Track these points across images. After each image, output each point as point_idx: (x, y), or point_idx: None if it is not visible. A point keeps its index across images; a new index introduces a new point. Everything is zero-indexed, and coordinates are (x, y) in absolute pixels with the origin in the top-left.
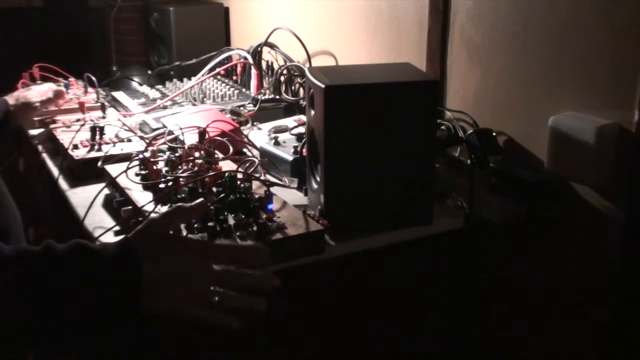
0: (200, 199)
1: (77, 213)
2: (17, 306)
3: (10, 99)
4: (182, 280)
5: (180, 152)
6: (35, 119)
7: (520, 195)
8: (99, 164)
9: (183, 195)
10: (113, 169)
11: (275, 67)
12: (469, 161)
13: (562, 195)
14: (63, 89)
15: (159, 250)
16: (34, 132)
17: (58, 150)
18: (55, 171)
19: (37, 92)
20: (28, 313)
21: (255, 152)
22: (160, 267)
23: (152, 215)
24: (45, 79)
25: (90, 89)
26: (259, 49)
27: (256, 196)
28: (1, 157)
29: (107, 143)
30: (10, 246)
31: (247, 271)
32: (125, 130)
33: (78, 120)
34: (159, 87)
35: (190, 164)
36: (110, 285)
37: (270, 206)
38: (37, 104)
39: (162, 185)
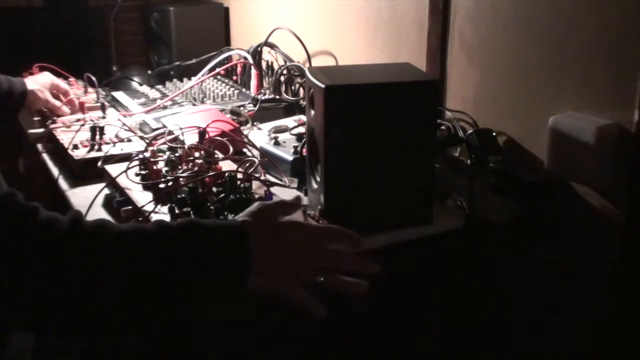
0: (297, 194)
1: None
2: (122, 282)
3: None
4: (289, 258)
5: (180, 152)
6: (35, 118)
7: (520, 195)
8: (99, 164)
9: (183, 195)
10: (113, 169)
11: (275, 67)
12: (469, 161)
13: (562, 195)
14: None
15: (267, 227)
16: (34, 132)
17: (58, 150)
18: (55, 171)
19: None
20: (139, 288)
21: (255, 152)
22: (268, 242)
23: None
24: None
25: (90, 89)
26: (259, 49)
27: (256, 196)
28: (1, 157)
29: (107, 143)
30: (125, 224)
31: (353, 255)
32: (125, 130)
33: (78, 120)
34: (159, 87)
35: (190, 164)
36: (220, 263)
37: None
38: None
39: (162, 185)
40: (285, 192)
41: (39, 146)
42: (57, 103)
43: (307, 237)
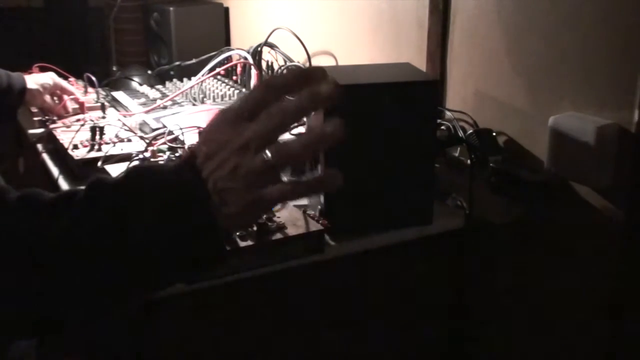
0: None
1: None
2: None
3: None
4: (242, 186)
5: (180, 152)
6: (35, 119)
7: (520, 195)
8: (99, 164)
9: None
10: (113, 169)
11: (275, 67)
12: (469, 161)
13: (562, 195)
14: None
15: (219, 156)
16: (34, 132)
17: (58, 150)
18: (55, 171)
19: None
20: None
21: None
22: (219, 177)
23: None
24: None
25: (90, 89)
26: (259, 49)
27: None
28: (1, 157)
29: (107, 143)
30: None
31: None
32: (125, 130)
33: (78, 120)
34: (159, 87)
35: None
36: (176, 201)
37: None
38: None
39: None
40: None
41: (39, 146)
42: (52, 105)
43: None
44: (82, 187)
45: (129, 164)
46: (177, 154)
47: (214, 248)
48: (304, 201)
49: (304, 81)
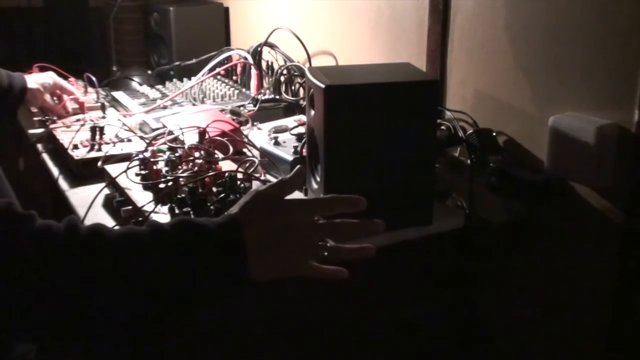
0: (298, 167)
1: (77, 213)
2: (117, 287)
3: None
4: (290, 241)
5: (180, 152)
6: (35, 118)
7: (520, 195)
8: (99, 164)
9: (183, 195)
10: (113, 169)
11: (275, 67)
12: (469, 161)
13: (562, 195)
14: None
15: (262, 215)
16: (34, 132)
17: (58, 150)
18: (55, 171)
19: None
20: (138, 291)
21: (255, 152)
22: (265, 231)
23: (257, 187)
24: None
25: (90, 89)
26: (259, 49)
27: None
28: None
29: (107, 143)
30: (119, 228)
31: (351, 220)
32: (125, 130)
33: (78, 120)
34: (159, 87)
35: (190, 164)
36: (215, 255)
37: None
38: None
39: (162, 185)
40: None
41: (39, 146)
42: (52, 105)
43: (304, 215)
44: (143, 228)
45: (129, 164)
46: (176, 154)
47: (236, 293)
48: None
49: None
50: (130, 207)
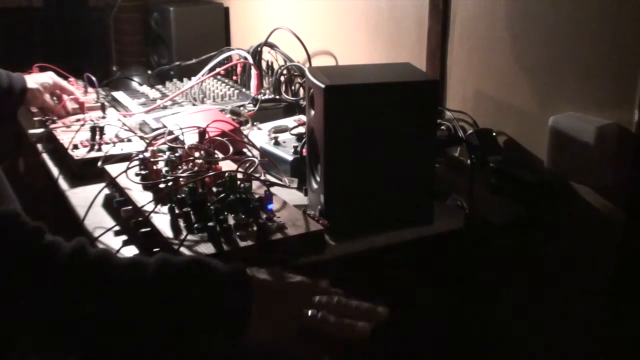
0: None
1: (77, 213)
2: (116, 317)
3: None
4: (291, 309)
5: (180, 152)
6: (35, 118)
7: (520, 195)
8: (99, 164)
9: (183, 195)
10: (113, 169)
11: (275, 67)
12: (469, 161)
13: (562, 195)
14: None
15: (272, 280)
16: (34, 132)
17: (58, 150)
18: (55, 171)
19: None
20: (132, 326)
21: (255, 152)
22: (272, 294)
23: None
24: None
25: (90, 89)
26: (259, 49)
27: (256, 196)
28: (1, 157)
29: (107, 143)
30: (127, 257)
31: (354, 302)
32: (125, 130)
33: (78, 120)
34: (159, 87)
35: (190, 164)
36: (219, 311)
37: (270, 206)
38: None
39: (162, 185)
40: (285, 192)
41: (39, 146)
42: (52, 105)
43: (307, 290)
44: (152, 261)
45: (129, 164)
46: (177, 154)
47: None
48: (304, 201)
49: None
50: (130, 207)
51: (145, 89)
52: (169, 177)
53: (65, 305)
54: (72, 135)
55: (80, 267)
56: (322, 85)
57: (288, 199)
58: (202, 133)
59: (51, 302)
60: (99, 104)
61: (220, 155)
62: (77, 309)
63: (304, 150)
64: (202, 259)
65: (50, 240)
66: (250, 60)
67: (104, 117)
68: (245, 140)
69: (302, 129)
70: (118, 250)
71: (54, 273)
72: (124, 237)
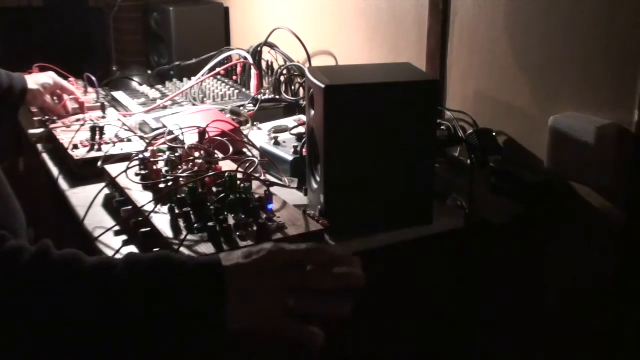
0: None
1: (77, 213)
2: (93, 319)
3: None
4: (273, 292)
5: (180, 152)
6: (35, 118)
7: (520, 195)
8: (99, 164)
9: (183, 195)
10: (113, 169)
11: (275, 67)
12: (469, 161)
13: (562, 195)
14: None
15: (244, 267)
16: (34, 132)
17: (58, 150)
18: (55, 171)
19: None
20: (106, 325)
21: (255, 152)
22: (246, 281)
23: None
24: None
25: (90, 89)
26: (259, 49)
27: (256, 196)
28: (1, 157)
29: (107, 143)
30: (95, 257)
31: (336, 272)
32: (125, 130)
33: (78, 120)
34: (159, 87)
35: (190, 164)
36: (192, 300)
37: (270, 206)
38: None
39: (162, 185)
40: (285, 192)
41: (39, 146)
42: (52, 105)
43: (287, 264)
44: (120, 261)
45: (129, 164)
46: (177, 154)
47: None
48: (304, 201)
49: (344, 263)
50: (130, 207)
51: (145, 89)
52: (169, 177)
53: (30, 308)
54: (72, 135)
55: (43, 269)
56: (322, 85)
57: (288, 199)
58: (202, 133)
59: (15, 307)
60: (99, 104)
61: (220, 155)
62: (42, 311)
63: (304, 150)
64: (169, 254)
65: (13, 245)
66: (250, 60)
67: (104, 117)
68: (245, 140)
69: (302, 129)
70: (118, 251)
71: (16, 278)
72: (124, 237)
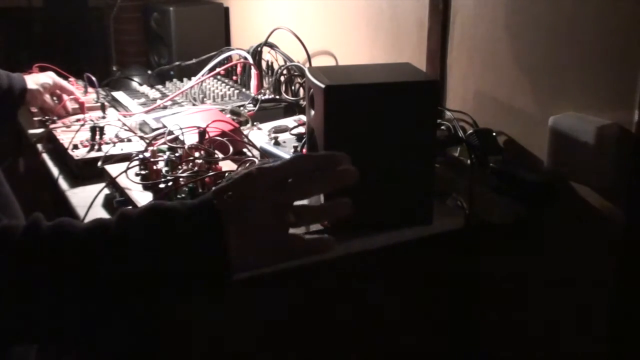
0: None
1: (77, 213)
2: (85, 282)
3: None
4: (266, 216)
5: (180, 152)
6: (35, 118)
7: (520, 195)
8: (99, 164)
9: (183, 195)
10: (113, 169)
11: (275, 67)
12: (469, 161)
13: (562, 195)
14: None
15: (239, 196)
16: (34, 132)
17: (58, 150)
18: (55, 171)
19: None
20: (110, 284)
21: (255, 152)
22: (241, 212)
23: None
24: None
25: (90, 89)
26: (259, 49)
27: None
28: (1, 157)
29: (107, 143)
30: (88, 222)
31: (323, 177)
32: (125, 130)
33: (78, 120)
34: (159, 87)
35: (190, 164)
36: (192, 242)
37: None
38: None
39: (162, 185)
40: None
41: (39, 146)
42: (52, 105)
43: (275, 182)
44: (112, 218)
45: (129, 164)
46: (177, 154)
47: (217, 279)
48: (303, 201)
49: (332, 164)
50: (130, 207)
51: (145, 89)
52: (169, 177)
53: (26, 282)
54: (72, 135)
55: (35, 242)
56: (322, 85)
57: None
58: (202, 133)
59: (11, 284)
60: (99, 104)
61: (220, 155)
62: (40, 283)
63: (304, 150)
64: (159, 202)
65: (4, 224)
66: (250, 60)
67: (104, 117)
68: (245, 140)
69: (302, 129)
70: None
71: (7, 254)
72: None
